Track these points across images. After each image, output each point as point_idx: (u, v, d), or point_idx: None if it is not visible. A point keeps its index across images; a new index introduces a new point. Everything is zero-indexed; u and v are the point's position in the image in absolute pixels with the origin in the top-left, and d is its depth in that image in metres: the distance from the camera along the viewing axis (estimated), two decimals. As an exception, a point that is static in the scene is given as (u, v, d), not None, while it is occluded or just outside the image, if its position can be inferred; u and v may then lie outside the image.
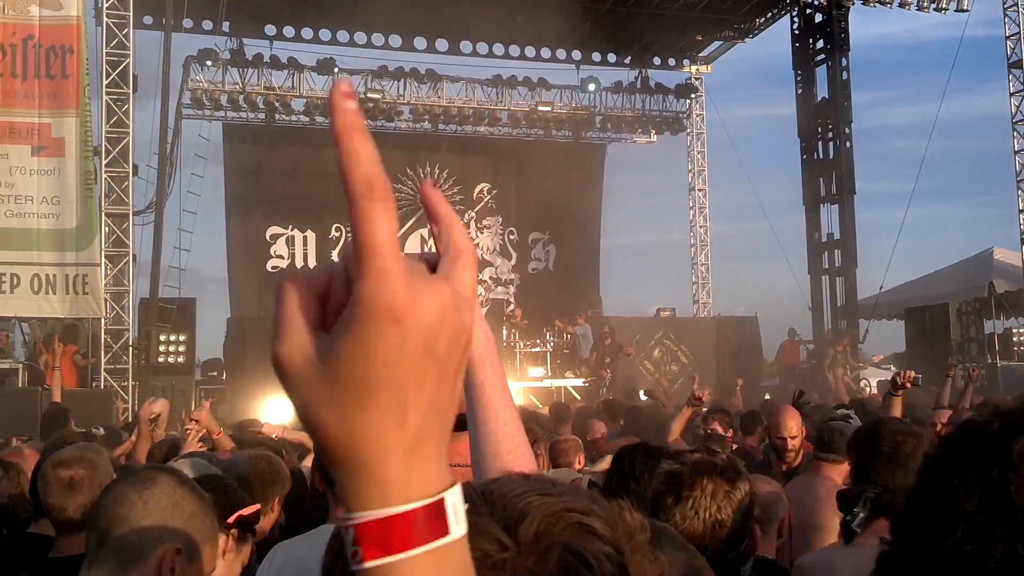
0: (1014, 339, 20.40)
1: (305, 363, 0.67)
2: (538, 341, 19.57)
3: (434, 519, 0.68)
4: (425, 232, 23.31)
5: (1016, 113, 20.43)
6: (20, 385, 14.00)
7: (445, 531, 0.68)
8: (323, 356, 0.66)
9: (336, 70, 21.65)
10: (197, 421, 5.83)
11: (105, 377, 15.02)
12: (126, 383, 15.06)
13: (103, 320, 15.14)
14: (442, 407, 0.69)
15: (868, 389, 19.83)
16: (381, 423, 0.66)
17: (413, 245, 23.23)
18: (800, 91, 23.24)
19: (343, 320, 0.66)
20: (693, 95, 25.27)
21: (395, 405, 0.66)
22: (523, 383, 17.88)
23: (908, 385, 6.00)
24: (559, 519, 0.88)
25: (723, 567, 2.34)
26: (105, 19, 16.08)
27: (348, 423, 0.66)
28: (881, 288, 21.85)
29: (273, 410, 14.56)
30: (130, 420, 13.78)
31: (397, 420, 0.66)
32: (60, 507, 3.19)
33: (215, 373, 18.08)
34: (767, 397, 17.11)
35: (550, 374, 19.01)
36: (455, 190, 23.74)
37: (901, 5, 19.30)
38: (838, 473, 4.29)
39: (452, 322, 0.68)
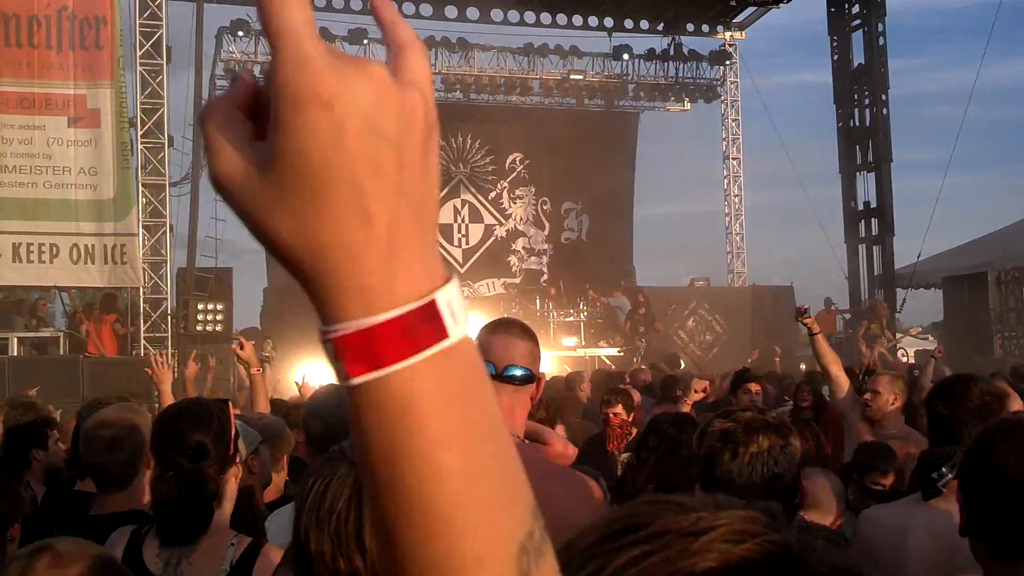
0: (1054, 308, 20.17)
1: (244, 175, 0.61)
2: (571, 311, 19.53)
3: (427, 323, 0.62)
4: (458, 203, 23.32)
5: (1058, 78, 20.07)
6: (61, 353, 14.16)
7: (443, 334, 0.62)
8: (261, 164, 0.61)
9: (366, 40, 21.58)
10: (242, 348, 5.82)
11: (144, 345, 15.15)
12: (165, 351, 15.16)
13: (141, 289, 15.26)
14: (413, 196, 0.63)
15: (905, 359, 19.69)
16: (342, 221, 0.60)
17: (447, 215, 23.25)
18: (836, 57, 22.96)
19: (271, 119, 0.60)
20: (727, 62, 24.98)
21: (352, 199, 0.60)
22: (556, 352, 17.86)
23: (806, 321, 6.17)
24: None
25: None
26: (138, -11, 16.10)
27: (305, 228, 0.61)
28: (919, 257, 21.60)
29: (311, 372, 14.67)
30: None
31: (360, 216, 0.60)
32: (101, 466, 3.24)
33: (253, 342, 18.14)
34: (803, 367, 16.98)
35: (583, 343, 18.97)
36: (488, 160, 23.69)
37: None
38: None
39: (395, 101, 0.61)
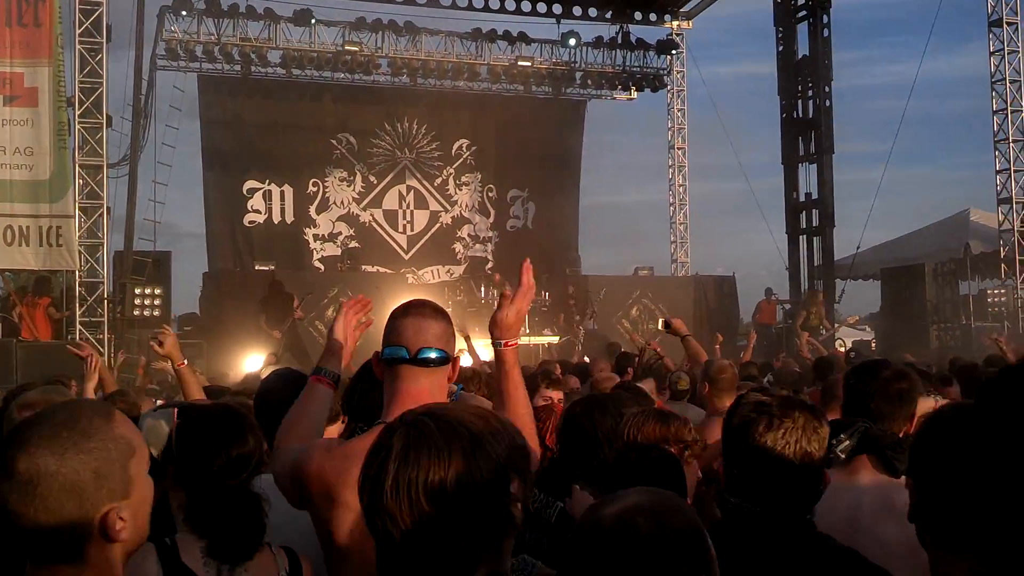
0: (989, 300, 20.58)
1: None
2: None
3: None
4: (403, 188, 23.21)
5: (995, 73, 20.42)
6: (-6, 337, 13.90)
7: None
8: None
9: (312, 21, 21.35)
10: (160, 343, 5.58)
11: (80, 330, 14.91)
12: (101, 336, 14.95)
13: (77, 273, 15.00)
14: None
15: (843, 349, 20.00)
16: None
17: (392, 201, 23.14)
18: (781, 48, 23.15)
19: None
20: (674, 51, 25.11)
21: None
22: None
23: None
24: None
25: (806, 501, 2.47)
26: (78, -33, 15.77)
27: None
28: (858, 248, 21.96)
29: (251, 364, 14.60)
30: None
31: None
32: None
33: (190, 327, 17.98)
34: (742, 356, 17.17)
35: (528, 332, 19.00)
36: (434, 146, 23.59)
37: (883, -37, 19.15)
38: None
39: None
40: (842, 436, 3.18)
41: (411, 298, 2.86)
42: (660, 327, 6.77)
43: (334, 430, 3.77)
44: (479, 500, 1.59)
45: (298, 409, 2.91)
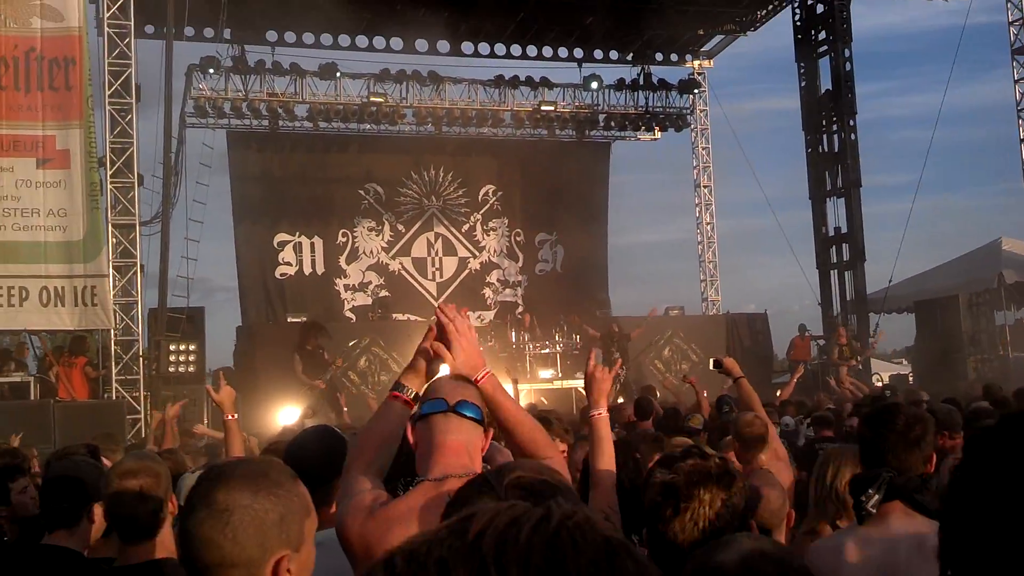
0: (1026, 329, 20.35)
1: None
2: (547, 343, 19.51)
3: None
4: (431, 236, 23.33)
5: (1021, 100, 20.34)
6: (32, 398, 13.98)
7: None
8: None
9: (338, 74, 21.63)
10: (216, 389, 5.64)
11: (116, 388, 14.98)
12: (137, 393, 15.02)
13: (113, 331, 15.10)
14: None
15: (880, 383, 19.79)
16: None
17: (420, 249, 23.24)
18: (803, 84, 23.18)
19: None
20: (696, 90, 25.22)
21: None
22: (533, 385, 17.83)
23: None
24: None
25: None
26: (107, 29, 16.03)
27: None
28: (890, 281, 21.78)
29: (286, 416, 14.62)
30: (142, 433, 13.81)
31: None
32: (133, 516, 3.24)
33: (226, 381, 18.04)
34: (778, 394, 17.03)
35: (560, 375, 18.95)
36: (460, 192, 23.72)
37: (903, -5, 19.19)
38: None
39: None
40: (870, 491, 3.16)
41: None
42: (711, 367, 6.59)
43: None
44: None
45: (371, 428, 2.91)
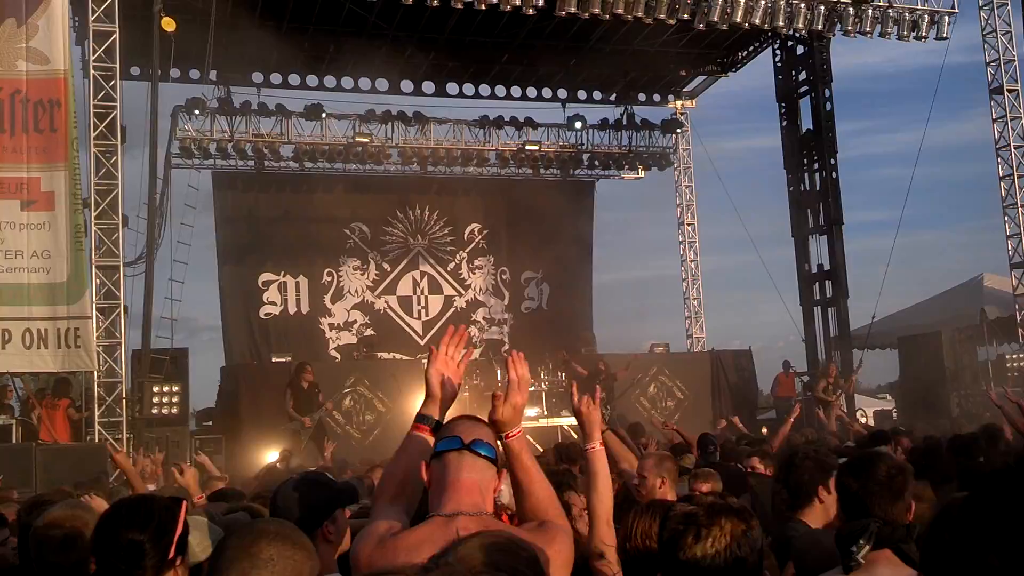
0: (1007, 365, 20.44)
1: None
2: (532, 380, 19.49)
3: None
4: (417, 275, 23.37)
5: (999, 139, 20.56)
6: (14, 441, 13.90)
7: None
8: None
9: (323, 115, 21.78)
10: (182, 473, 5.70)
11: (99, 430, 14.90)
12: (120, 436, 14.94)
13: (96, 373, 15.05)
14: None
15: (864, 419, 19.85)
16: None
17: (406, 287, 23.28)
18: (785, 123, 23.41)
19: None
20: (679, 130, 25.44)
21: None
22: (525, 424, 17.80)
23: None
24: None
25: None
26: (92, 71, 16.10)
27: None
28: (873, 318, 21.90)
29: (270, 457, 14.57)
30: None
31: None
32: (54, 566, 3.19)
33: (209, 423, 18.00)
34: (764, 430, 17.06)
35: (546, 413, 18.94)
36: (446, 231, 23.82)
37: (881, 35, 19.39)
38: None
39: None
40: (861, 542, 3.15)
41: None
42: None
43: None
44: None
45: (396, 461, 2.94)
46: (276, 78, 22.18)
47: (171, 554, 2.65)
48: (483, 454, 2.64)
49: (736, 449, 9.48)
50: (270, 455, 14.32)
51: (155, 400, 15.59)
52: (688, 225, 25.77)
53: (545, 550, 2.37)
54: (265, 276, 22.34)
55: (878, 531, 3.20)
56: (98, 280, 15.62)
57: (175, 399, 15.84)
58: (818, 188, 22.45)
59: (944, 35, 19.71)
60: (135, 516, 2.64)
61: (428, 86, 23.35)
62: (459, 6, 17.04)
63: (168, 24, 16.04)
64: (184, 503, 2.80)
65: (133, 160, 18.87)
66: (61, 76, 15.63)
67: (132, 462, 7.90)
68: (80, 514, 3.41)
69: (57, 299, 14.90)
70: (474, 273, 24.01)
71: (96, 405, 14.95)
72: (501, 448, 2.76)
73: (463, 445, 2.63)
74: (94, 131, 16.01)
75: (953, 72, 25.16)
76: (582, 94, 24.80)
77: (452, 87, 23.65)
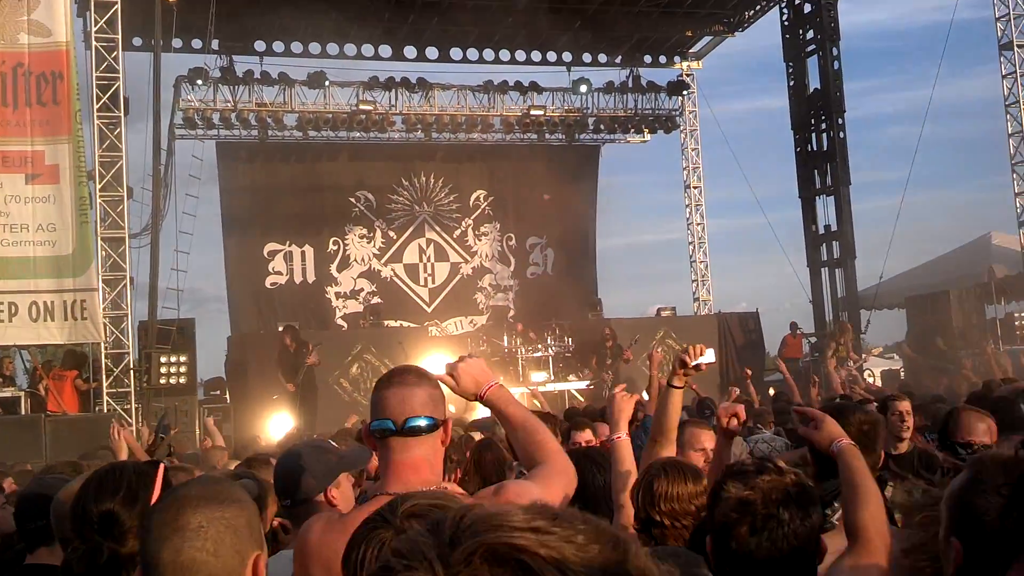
0: (1016, 323, 20.38)
1: None
2: (540, 346, 19.57)
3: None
4: (423, 242, 23.37)
5: (1008, 96, 20.38)
6: (23, 412, 14.01)
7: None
8: None
9: (326, 83, 21.68)
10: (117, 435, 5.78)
11: (107, 401, 15.03)
12: (128, 406, 15.07)
13: (103, 344, 15.14)
14: None
15: (872, 380, 19.82)
16: None
17: (412, 255, 23.29)
18: (792, 83, 23.23)
19: None
20: (685, 92, 25.26)
21: None
22: (526, 388, 17.86)
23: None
24: None
25: None
26: (94, 43, 16.09)
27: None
28: (881, 278, 21.83)
29: (276, 426, 14.68)
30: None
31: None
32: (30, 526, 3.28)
33: (218, 391, 18.10)
34: (771, 392, 17.06)
35: (553, 378, 19.00)
36: (451, 198, 23.77)
37: (889, -8, 19.21)
38: None
39: None
40: (836, 504, 3.08)
41: (394, 368, 2.83)
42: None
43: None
44: None
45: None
46: (278, 46, 22.09)
47: None
48: (422, 426, 2.55)
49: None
50: (274, 422, 14.42)
51: (163, 370, 15.70)
52: (694, 188, 25.66)
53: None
54: (271, 246, 22.36)
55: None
56: (104, 252, 15.70)
57: (183, 369, 15.95)
58: (825, 148, 22.31)
59: (952, -10, 19.48)
60: (106, 486, 2.61)
61: (431, 52, 23.23)
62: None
63: (169, -7, 16.00)
64: (162, 466, 2.76)
65: (136, 132, 18.95)
66: (63, 48, 15.62)
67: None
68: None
69: (63, 271, 14.97)
70: (480, 240, 23.99)
71: (104, 376, 15.06)
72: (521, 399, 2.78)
73: (396, 429, 2.54)
74: (97, 103, 16.02)
75: (962, 28, 24.92)
76: (587, 57, 24.63)
77: (456, 52, 23.53)
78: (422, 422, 2.54)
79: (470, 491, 3.17)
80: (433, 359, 15.32)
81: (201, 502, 2.00)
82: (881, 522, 2.79)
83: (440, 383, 2.76)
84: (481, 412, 11.14)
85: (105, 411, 14.71)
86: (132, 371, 15.37)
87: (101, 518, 2.55)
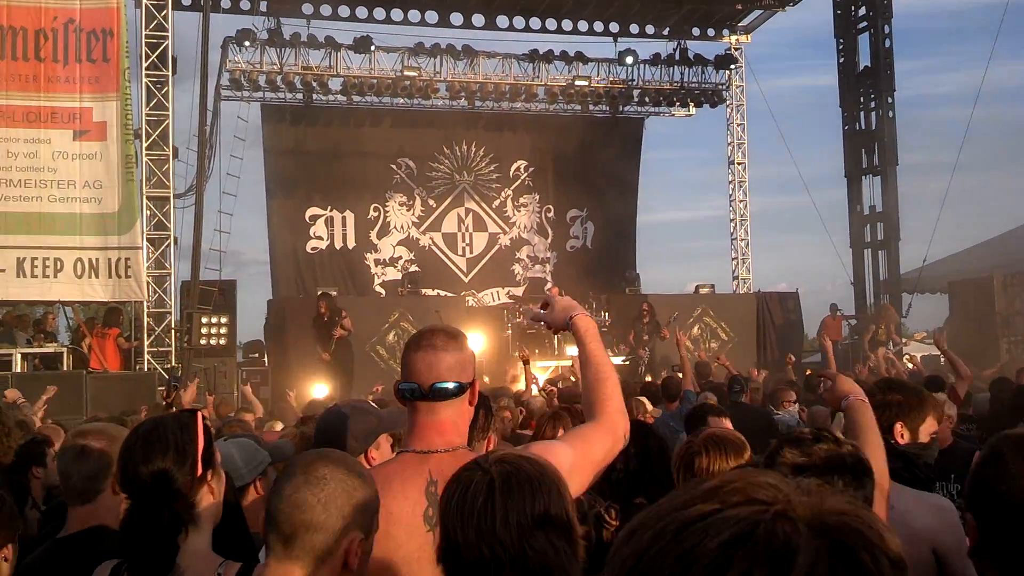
0: (1061, 312, 20.09)
1: None
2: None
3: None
4: (462, 211, 23.35)
5: (1064, 80, 19.96)
6: (65, 368, 14.21)
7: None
8: None
9: (372, 48, 21.64)
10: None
11: (148, 360, 15.21)
12: (169, 365, 15.24)
13: (145, 303, 15.31)
14: None
15: (912, 365, 19.63)
16: None
17: (451, 224, 23.28)
18: (842, 60, 22.92)
19: None
20: (732, 66, 24.91)
21: None
22: (561, 362, 17.85)
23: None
24: None
25: None
26: (144, 1, 16.17)
27: None
28: (924, 261, 21.56)
29: (318, 390, 14.77)
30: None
31: None
32: (66, 474, 3.16)
33: (256, 354, 18.26)
34: (808, 372, 16.97)
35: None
36: (492, 168, 23.70)
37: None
38: None
39: None
40: None
41: (424, 328, 2.82)
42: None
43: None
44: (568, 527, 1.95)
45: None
46: (326, 9, 22.03)
47: (199, 471, 2.60)
48: (449, 388, 2.57)
49: (779, 394, 9.44)
50: (315, 388, 14.52)
51: (203, 331, 15.85)
52: (738, 164, 25.38)
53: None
54: (312, 210, 22.45)
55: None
56: (148, 211, 15.86)
57: (223, 330, 16.10)
58: (873, 127, 22.03)
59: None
60: (151, 445, 2.59)
61: (478, 19, 23.09)
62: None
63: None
64: (199, 414, 2.74)
65: (183, 92, 19.01)
66: (114, 5, 15.73)
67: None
68: (110, 430, 3.37)
69: (108, 229, 15.14)
70: (519, 211, 23.92)
71: (146, 335, 15.25)
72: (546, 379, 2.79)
73: (423, 392, 2.56)
74: (146, 62, 16.12)
75: (1018, 10, 24.32)
76: (634, 28, 24.38)
77: (502, 20, 23.37)
78: (449, 386, 2.57)
79: None
80: (470, 331, 15.36)
81: (334, 462, 2.19)
82: (881, 475, 2.80)
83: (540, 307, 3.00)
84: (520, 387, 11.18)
85: (146, 370, 14.89)
86: (173, 331, 15.53)
87: (154, 479, 2.54)
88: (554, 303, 2.96)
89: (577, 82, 23.15)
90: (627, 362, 18.54)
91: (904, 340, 20.03)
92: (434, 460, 2.51)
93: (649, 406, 8.46)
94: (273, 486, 2.25)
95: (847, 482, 2.35)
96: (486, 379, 13.73)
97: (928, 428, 3.79)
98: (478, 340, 16.22)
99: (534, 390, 10.24)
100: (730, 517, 0.85)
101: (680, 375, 10.69)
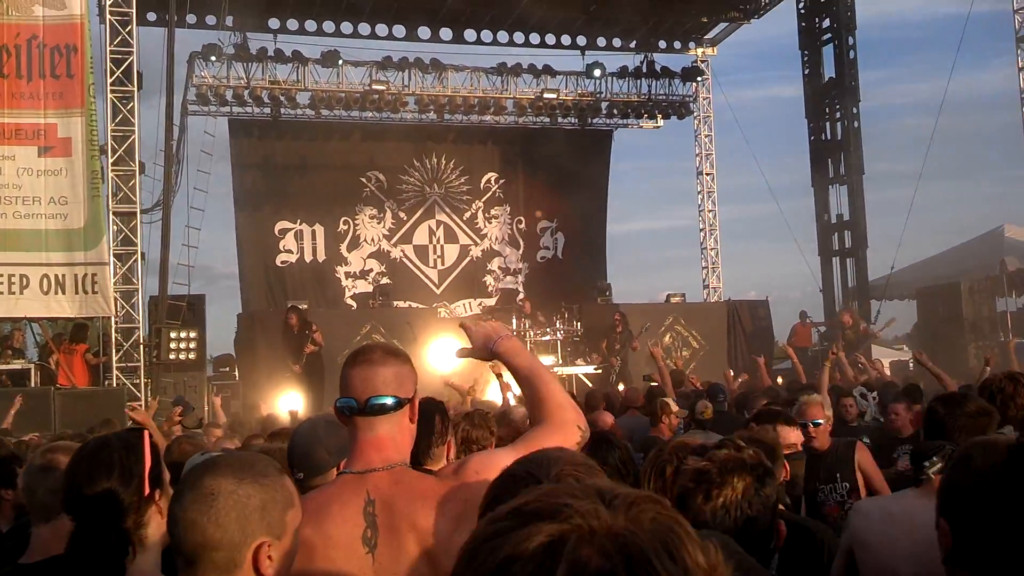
0: (1028, 316, 20.32)
1: None
2: (548, 329, 19.54)
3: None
4: (433, 224, 23.36)
5: (1025, 89, 20.22)
6: (32, 385, 14.05)
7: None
8: None
9: (340, 62, 21.62)
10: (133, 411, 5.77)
11: (117, 375, 15.06)
12: (138, 381, 15.10)
13: (113, 319, 15.16)
14: None
15: (882, 368, 19.77)
16: None
17: (422, 236, 23.27)
18: (807, 71, 23.14)
19: None
20: (699, 78, 25.13)
21: None
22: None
23: None
24: None
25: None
26: (108, 17, 16.04)
27: None
28: (892, 269, 21.76)
29: (287, 403, 14.68)
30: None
31: None
32: (31, 489, 3.07)
33: (227, 368, 18.13)
34: (779, 380, 17.05)
35: (561, 362, 18.97)
36: (462, 180, 23.73)
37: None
38: None
39: None
40: (934, 459, 3.32)
41: (361, 345, 2.78)
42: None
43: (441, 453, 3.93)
44: None
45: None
46: (292, 24, 22.02)
47: (146, 491, 2.57)
48: (386, 404, 2.51)
49: (752, 400, 9.46)
50: (284, 400, 14.44)
51: (172, 346, 15.72)
52: (707, 175, 25.55)
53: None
54: (282, 224, 22.36)
55: (951, 454, 3.25)
56: (115, 226, 15.71)
57: (192, 345, 15.97)
58: (839, 137, 22.24)
59: (970, -19, 19.33)
60: (96, 466, 2.56)
61: (446, 32, 23.14)
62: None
63: (183, -32, 15.94)
64: (146, 432, 2.69)
65: (149, 107, 18.89)
66: (78, 21, 15.59)
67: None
68: (69, 446, 3.33)
69: (74, 245, 14.98)
70: (490, 223, 23.95)
71: (114, 350, 15.09)
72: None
73: (359, 407, 2.50)
74: (111, 77, 15.99)
75: (979, 20, 24.73)
76: (601, 41, 24.53)
77: (470, 34, 23.44)
78: (386, 400, 2.51)
79: None
80: (442, 343, 15.31)
81: (222, 471, 2.03)
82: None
83: (408, 365, 2.67)
84: (492, 393, 11.15)
85: (114, 385, 14.74)
86: (142, 346, 15.39)
87: (99, 499, 2.51)
88: (472, 336, 2.84)
89: (546, 95, 23.25)
90: (599, 371, 18.57)
91: (875, 333, 20.06)
92: (372, 479, 2.44)
93: (675, 407, 8.37)
94: (169, 506, 2.10)
95: (747, 484, 2.39)
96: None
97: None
98: (450, 352, 16.15)
99: (511, 399, 10.20)
100: (522, 535, 0.91)
101: (654, 384, 10.73)
